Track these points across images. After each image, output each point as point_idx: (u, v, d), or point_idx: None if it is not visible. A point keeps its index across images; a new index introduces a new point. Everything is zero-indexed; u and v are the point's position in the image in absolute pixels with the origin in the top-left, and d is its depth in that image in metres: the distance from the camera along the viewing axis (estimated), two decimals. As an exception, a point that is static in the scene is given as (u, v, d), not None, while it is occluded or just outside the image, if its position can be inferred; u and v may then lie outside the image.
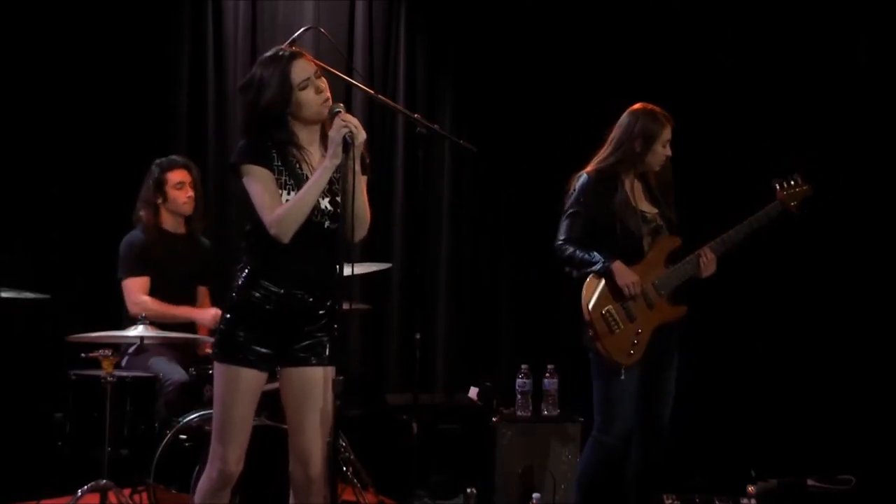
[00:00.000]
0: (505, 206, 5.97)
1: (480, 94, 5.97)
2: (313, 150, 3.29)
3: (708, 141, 5.58)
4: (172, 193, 4.85)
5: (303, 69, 3.21)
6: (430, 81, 6.04)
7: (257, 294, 3.22)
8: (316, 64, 3.29)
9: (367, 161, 3.34)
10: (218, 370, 3.26)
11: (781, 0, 5.65)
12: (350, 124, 3.14)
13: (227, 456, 3.23)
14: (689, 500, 4.57)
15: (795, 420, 5.47)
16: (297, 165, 3.25)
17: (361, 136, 3.16)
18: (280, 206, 3.17)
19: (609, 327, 4.03)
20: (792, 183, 4.25)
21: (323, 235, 3.24)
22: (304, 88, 3.20)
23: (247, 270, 3.25)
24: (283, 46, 3.34)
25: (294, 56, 3.23)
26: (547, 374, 5.05)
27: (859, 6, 5.57)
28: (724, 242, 4.16)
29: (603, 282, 4.06)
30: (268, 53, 3.29)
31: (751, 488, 4.93)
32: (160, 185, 4.84)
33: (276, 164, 3.21)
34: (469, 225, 6.05)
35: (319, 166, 3.20)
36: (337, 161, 3.15)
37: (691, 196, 5.15)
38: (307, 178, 3.22)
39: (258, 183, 3.18)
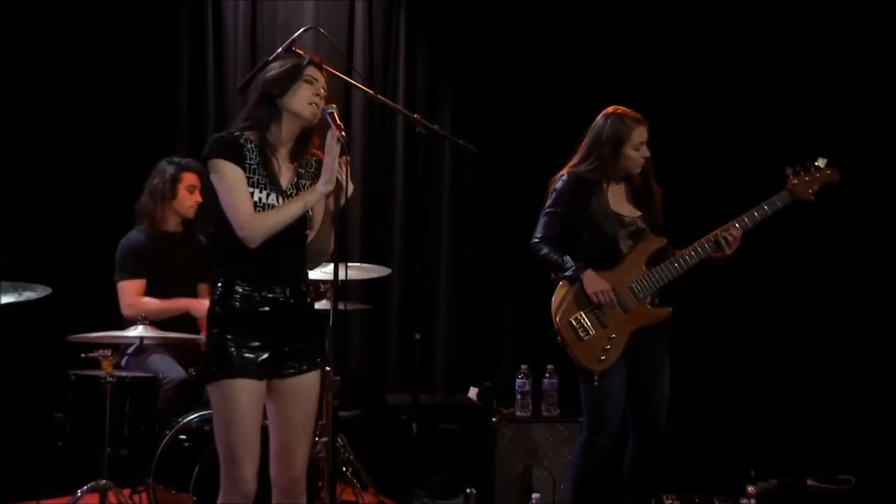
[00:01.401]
0: (505, 206, 5.96)
1: (480, 94, 5.96)
2: (282, 157, 3.29)
3: (707, 141, 5.58)
4: (182, 194, 4.86)
5: (317, 73, 3.28)
6: (430, 81, 6.04)
7: (237, 301, 3.18)
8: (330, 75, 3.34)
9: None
10: (215, 390, 3.16)
11: (781, 0, 5.65)
12: (342, 135, 3.17)
13: (243, 474, 3.14)
14: (689, 500, 4.56)
15: (795, 420, 5.47)
16: (272, 166, 3.24)
17: (350, 188, 3.21)
18: (252, 211, 3.14)
19: (577, 335, 4.00)
20: (811, 169, 4.10)
21: (290, 239, 3.24)
22: (308, 83, 3.24)
23: (221, 280, 3.21)
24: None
25: (314, 62, 3.29)
26: (547, 375, 5.05)
27: (859, 6, 5.56)
28: (744, 221, 4.07)
29: (573, 288, 4.02)
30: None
31: (751, 488, 4.93)
32: (173, 182, 4.85)
33: (248, 161, 3.19)
34: (469, 225, 6.05)
35: (310, 190, 3.21)
36: (330, 187, 3.17)
37: (690, 196, 5.16)
38: (278, 181, 3.23)
39: (228, 181, 3.15)
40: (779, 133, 5.55)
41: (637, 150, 4.06)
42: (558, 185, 4.11)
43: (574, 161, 4.13)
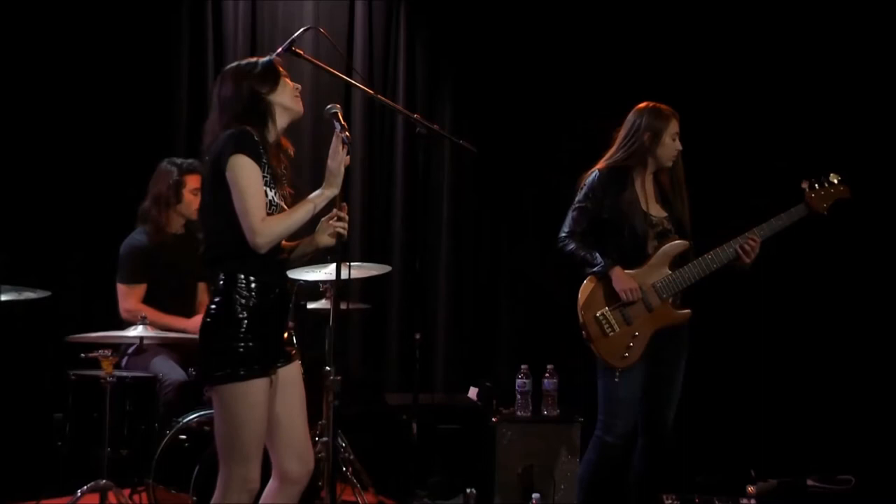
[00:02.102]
0: (505, 206, 5.96)
1: (480, 95, 5.96)
2: (273, 151, 3.29)
3: (706, 141, 5.57)
4: (188, 197, 4.84)
5: (283, 69, 3.33)
6: (430, 81, 6.04)
7: (244, 299, 3.15)
8: (313, 64, 3.34)
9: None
10: (226, 392, 3.12)
11: (787, 4, 5.66)
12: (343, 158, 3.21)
13: (251, 475, 3.15)
14: (689, 501, 4.57)
15: (795, 420, 5.47)
16: (273, 165, 3.24)
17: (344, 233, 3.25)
18: (265, 215, 3.12)
19: (602, 330, 4.03)
20: (826, 185, 4.14)
21: None
22: (285, 77, 3.31)
23: (226, 279, 3.17)
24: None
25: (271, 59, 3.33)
26: (547, 374, 5.04)
27: (859, 6, 5.56)
28: (763, 230, 4.11)
29: (600, 284, 4.06)
30: (234, 65, 3.35)
31: (751, 488, 4.94)
32: (178, 187, 4.84)
33: (263, 160, 3.18)
34: (469, 225, 6.05)
35: (318, 194, 3.21)
36: (336, 191, 3.19)
37: (693, 197, 5.15)
38: (280, 180, 3.24)
39: (249, 180, 3.11)
40: (777, 133, 5.56)
41: (673, 140, 4.11)
42: (589, 179, 4.14)
43: (610, 153, 4.16)
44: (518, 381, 5.04)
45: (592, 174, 4.14)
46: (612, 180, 4.10)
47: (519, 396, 5.04)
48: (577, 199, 4.16)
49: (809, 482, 5.26)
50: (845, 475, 5.26)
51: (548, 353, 5.11)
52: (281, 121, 3.28)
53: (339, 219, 3.24)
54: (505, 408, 5.07)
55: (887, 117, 5.58)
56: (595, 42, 5.81)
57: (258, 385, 3.13)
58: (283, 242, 3.31)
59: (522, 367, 5.06)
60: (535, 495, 4.71)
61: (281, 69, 3.31)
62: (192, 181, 4.83)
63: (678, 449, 4.69)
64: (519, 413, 5.02)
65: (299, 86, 3.34)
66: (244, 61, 3.35)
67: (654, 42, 5.74)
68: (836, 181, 4.16)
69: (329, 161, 3.21)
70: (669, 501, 4.49)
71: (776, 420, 5.50)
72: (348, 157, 3.22)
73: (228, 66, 3.37)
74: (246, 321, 3.13)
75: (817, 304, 5.55)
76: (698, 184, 4.31)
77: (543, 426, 4.97)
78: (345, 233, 3.24)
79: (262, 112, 3.23)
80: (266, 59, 3.32)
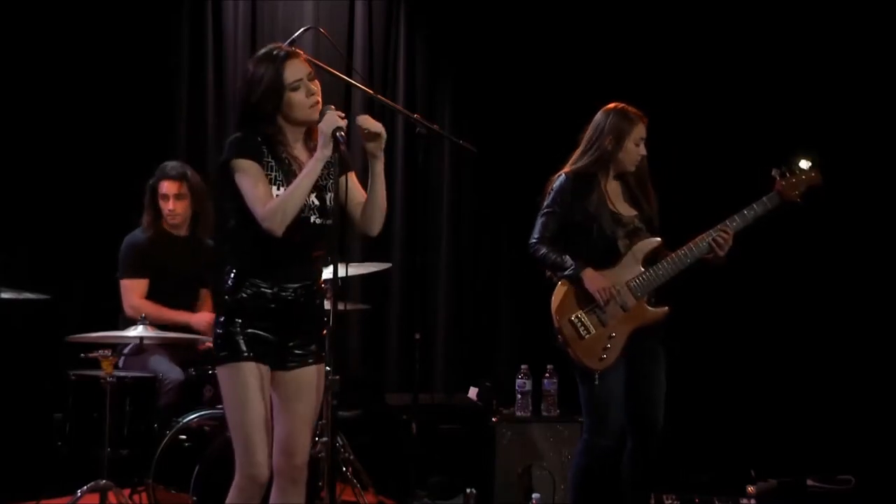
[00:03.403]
0: (505, 206, 5.96)
1: (480, 94, 5.97)
2: (298, 150, 3.27)
3: (705, 140, 5.59)
4: (160, 203, 4.86)
5: (296, 69, 3.19)
6: (430, 81, 6.04)
7: (248, 294, 3.19)
8: (312, 64, 3.27)
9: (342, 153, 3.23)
10: (223, 373, 3.19)
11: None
12: (341, 121, 3.12)
13: (255, 460, 3.16)
14: (689, 501, 4.57)
15: (795, 420, 5.47)
16: (287, 162, 3.22)
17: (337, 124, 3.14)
18: (272, 199, 3.14)
19: (578, 333, 3.98)
20: (796, 171, 4.05)
21: (309, 231, 3.22)
22: (295, 89, 3.18)
23: (234, 272, 3.22)
24: (278, 44, 3.30)
25: (289, 56, 3.20)
26: (546, 375, 5.05)
27: (859, 6, 5.57)
28: (734, 221, 4.04)
29: (573, 287, 4.01)
30: (263, 51, 3.26)
31: (751, 488, 4.94)
32: (153, 193, 4.86)
33: (266, 159, 3.17)
34: (469, 225, 6.05)
35: (311, 158, 3.17)
36: (328, 152, 3.12)
37: (684, 194, 5.15)
38: (296, 175, 3.19)
39: (250, 176, 3.14)
40: (775, 132, 5.56)
41: (637, 146, 4.07)
42: (556, 184, 4.10)
43: (574, 157, 4.13)
44: (518, 381, 5.05)
45: (559, 178, 4.10)
46: (578, 183, 4.06)
47: (519, 396, 5.04)
48: (545, 203, 4.10)
49: (809, 482, 5.26)
50: (845, 475, 5.26)
51: (548, 353, 5.09)
52: (295, 126, 3.23)
53: (336, 120, 3.12)
54: (505, 408, 5.08)
55: (860, 110, 5.59)
56: (594, 41, 5.81)
57: (251, 368, 3.16)
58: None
59: (522, 367, 5.06)
60: (535, 495, 4.71)
61: (289, 77, 3.15)
62: (163, 187, 4.84)
63: (678, 449, 4.70)
64: (519, 413, 5.03)
65: (311, 88, 3.20)
66: (262, 58, 3.21)
67: (654, 41, 5.75)
68: (806, 167, 4.05)
69: (321, 125, 3.14)
70: (669, 501, 4.49)
71: (776, 420, 5.50)
72: (345, 120, 3.13)
73: (253, 58, 3.27)
74: (242, 314, 3.18)
75: (818, 304, 5.54)
76: (670, 178, 4.29)
77: (543, 426, 4.97)
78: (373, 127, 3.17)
79: (271, 127, 3.20)
80: (269, 72, 3.16)
